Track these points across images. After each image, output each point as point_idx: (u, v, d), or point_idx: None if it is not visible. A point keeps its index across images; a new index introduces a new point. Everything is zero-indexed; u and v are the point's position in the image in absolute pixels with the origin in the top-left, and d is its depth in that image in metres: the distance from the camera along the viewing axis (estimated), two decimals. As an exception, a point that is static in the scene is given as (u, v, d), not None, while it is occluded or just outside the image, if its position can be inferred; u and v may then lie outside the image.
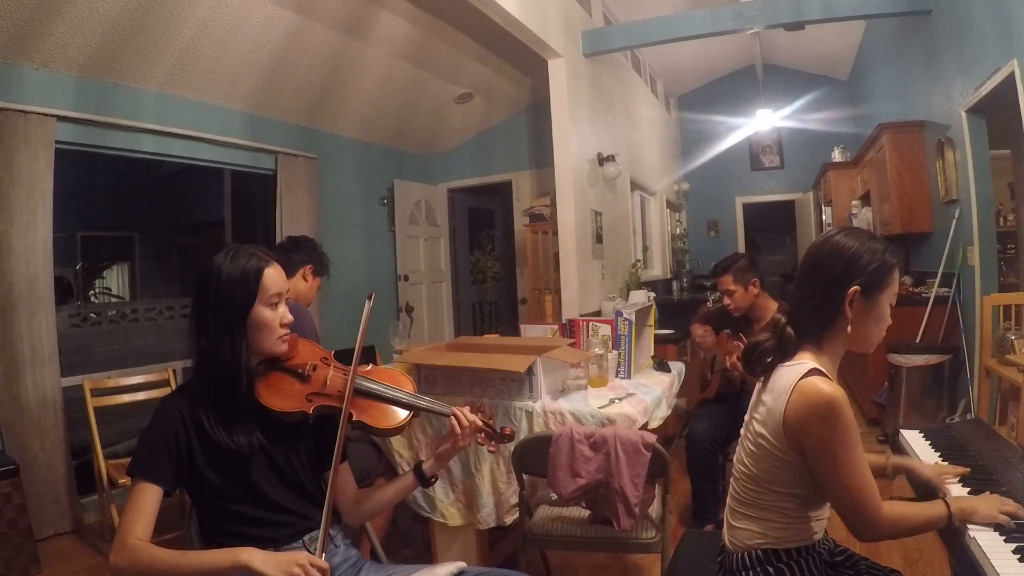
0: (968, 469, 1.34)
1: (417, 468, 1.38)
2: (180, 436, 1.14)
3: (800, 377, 1.08)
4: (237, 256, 1.19)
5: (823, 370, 1.10)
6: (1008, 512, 1.06)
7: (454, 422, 1.33)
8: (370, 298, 1.30)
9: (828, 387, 1.05)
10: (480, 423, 1.35)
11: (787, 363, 1.15)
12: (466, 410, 1.35)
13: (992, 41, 2.98)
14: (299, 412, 1.20)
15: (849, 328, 1.13)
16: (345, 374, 1.28)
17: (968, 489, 1.24)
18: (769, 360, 1.17)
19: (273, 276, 1.21)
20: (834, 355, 1.17)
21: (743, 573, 1.17)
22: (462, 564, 1.29)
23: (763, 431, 1.14)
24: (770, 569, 1.14)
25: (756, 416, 1.18)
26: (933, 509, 1.09)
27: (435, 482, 1.42)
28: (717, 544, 1.32)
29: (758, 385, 1.25)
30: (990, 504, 1.08)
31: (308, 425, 1.24)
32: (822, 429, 1.04)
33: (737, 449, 1.25)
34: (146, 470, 1.11)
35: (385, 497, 1.39)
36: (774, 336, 1.17)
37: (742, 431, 1.25)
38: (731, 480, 1.26)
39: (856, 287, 1.11)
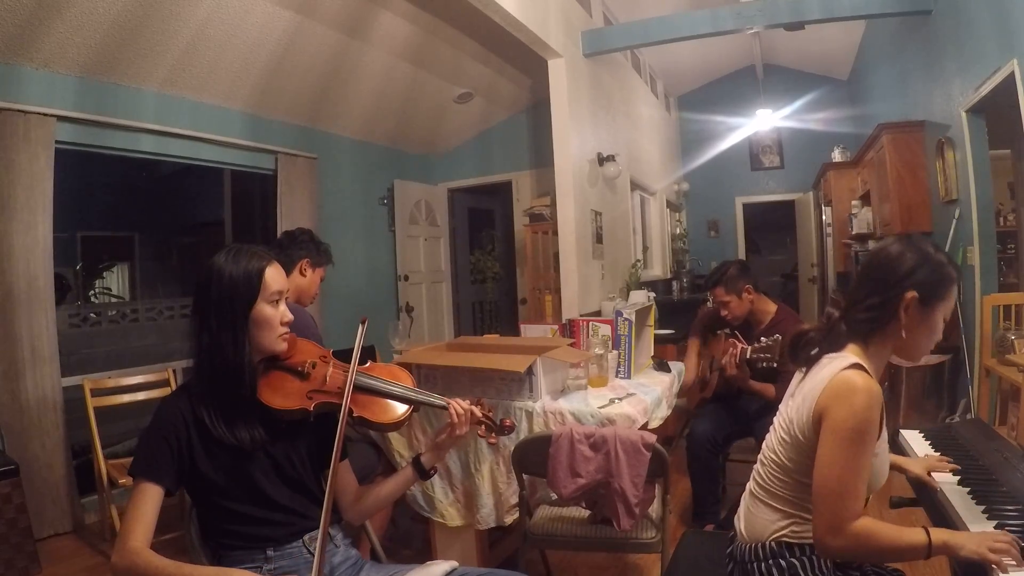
0: (958, 466, 1.33)
1: (415, 461, 1.38)
2: (181, 435, 1.15)
3: (843, 368, 1.09)
4: (239, 256, 1.20)
5: (866, 367, 1.10)
6: (998, 550, 0.96)
7: (451, 411, 1.34)
8: (363, 322, 1.32)
9: (865, 381, 1.05)
10: (479, 414, 1.36)
11: (832, 354, 1.15)
12: (463, 401, 1.36)
13: (992, 41, 2.98)
14: (300, 409, 1.21)
15: (904, 333, 1.12)
16: (344, 371, 1.28)
17: (968, 489, 1.24)
18: (814, 351, 1.18)
19: (274, 275, 1.22)
20: (879, 359, 1.16)
21: (755, 564, 1.17)
22: (454, 563, 1.31)
23: (796, 418, 1.14)
24: (782, 562, 1.14)
25: (791, 403, 1.19)
26: (911, 536, 1.03)
27: (434, 474, 1.42)
28: (717, 544, 1.32)
29: (797, 374, 1.25)
30: (979, 540, 1.00)
31: (309, 423, 1.24)
32: (843, 413, 1.04)
33: (767, 436, 1.25)
34: (148, 470, 1.12)
35: (385, 492, 1.40)
36: (824, 328, 1.18)
37: (775, 419, 1.24)
38: (755, 467, 1.26)
39: (915, 293, 1.11)
